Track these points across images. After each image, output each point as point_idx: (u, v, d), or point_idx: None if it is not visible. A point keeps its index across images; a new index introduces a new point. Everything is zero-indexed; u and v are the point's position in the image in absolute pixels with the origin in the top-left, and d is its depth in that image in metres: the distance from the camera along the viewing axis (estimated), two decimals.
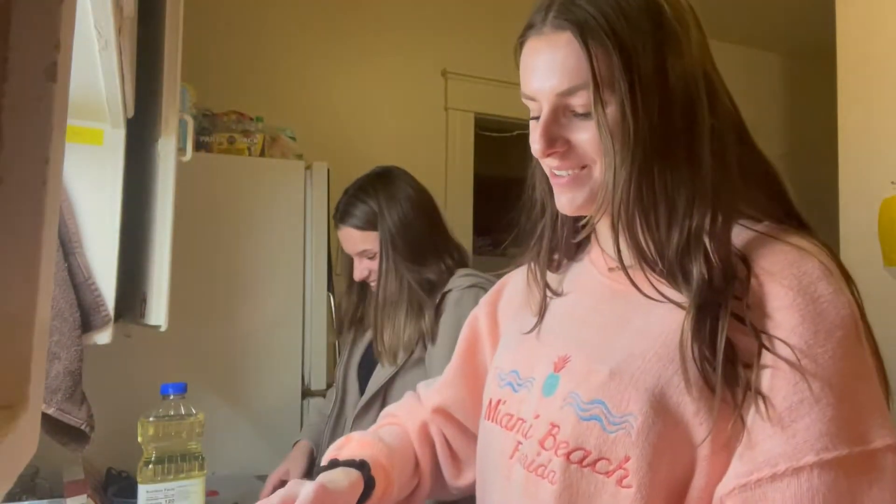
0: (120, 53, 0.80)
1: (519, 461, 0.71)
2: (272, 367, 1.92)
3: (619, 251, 0.68)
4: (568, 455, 0.66)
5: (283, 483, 1.52)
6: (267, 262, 1.93)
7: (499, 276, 0.99)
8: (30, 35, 0.28)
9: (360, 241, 1.44)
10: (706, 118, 0.66)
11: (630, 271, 0.68)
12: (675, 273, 0.65)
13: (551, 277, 0.83)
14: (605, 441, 0.64)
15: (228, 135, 1.96)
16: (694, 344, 0.62)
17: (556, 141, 0.70)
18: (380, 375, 1.45)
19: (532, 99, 0.73)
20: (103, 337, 1.19)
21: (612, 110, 0.66)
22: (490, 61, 2.86)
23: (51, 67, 0.29)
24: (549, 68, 0.69)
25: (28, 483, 1.42)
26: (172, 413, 1.26)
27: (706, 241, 0.64)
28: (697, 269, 0.64)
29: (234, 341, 1.88)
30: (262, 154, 2.00)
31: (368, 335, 1.57)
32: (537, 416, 0.71)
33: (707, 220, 0.65)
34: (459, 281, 1.43)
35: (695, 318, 0.62)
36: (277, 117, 2.30)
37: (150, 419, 1.24)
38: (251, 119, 2.06)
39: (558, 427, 0.68)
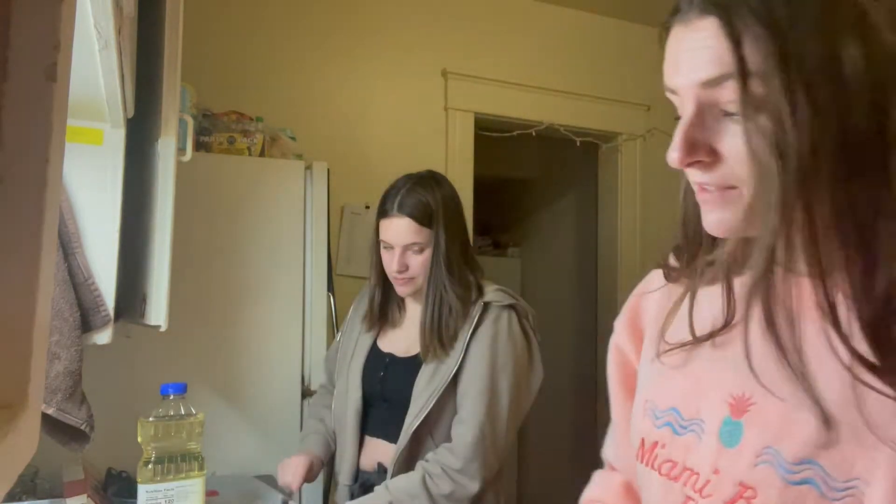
0: (120, 53, 0.80)
1: None
2: (272, 367, 1.92)
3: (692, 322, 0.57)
4: None
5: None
6: (267, 262, 1.93)
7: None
8: (30, 35, 0.28)
9: (413, 234, 1.45)
10: None
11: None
12: (879, 339, 0.50)
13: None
14: None
15: (228, 135, 1.96)
16: None
17: (699, 148, 0.56)
18: (431, 386, 1.43)
19: (675, 93, 0.59)
20: (103, 337, 1.19)
21: (764, 112, 0.52)
22: (490, 61, 2.87)
23: (51, 67, 0.29)
24: (690, 56, 0.57)
25: (28, 483, 1.42)
26: (172, 413, 1.26)
27: None
28: None
29: (234, 341, 1.88)
30: (262, 154, 2.00)
31: (372, 334, 1.57)
32: (717, 472, 0.59)
33: None
34: (498, 296, 1.47)
35: None
36: (277, 117, 2.30)
37: (150, 419, 1.24)
38: (251, 119, 2.06)
39: (754, 490, 0.56)
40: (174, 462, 1.24)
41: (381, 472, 1.45)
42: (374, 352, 1.55)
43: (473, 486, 1.37)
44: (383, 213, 1.49)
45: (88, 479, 1.39)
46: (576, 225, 3.77)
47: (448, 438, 1.42)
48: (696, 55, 0.56)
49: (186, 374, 1.61)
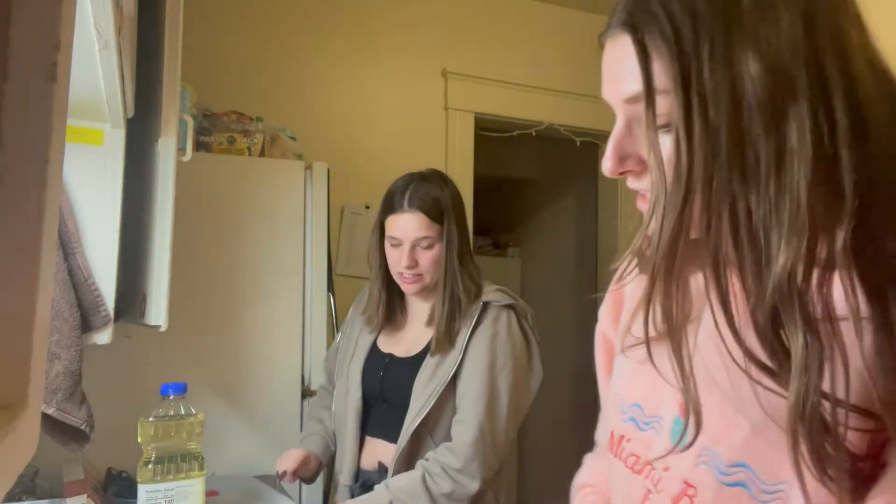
0: (120, 53, 0.80)
1: None
2: (272, 367, 1.92)
3: (647, 320, 0.56)
4: None
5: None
6: (267, 262, 1.93)
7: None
8: (30, 35, 0.28)
9: (424, 228, 1.45)
10: (805, 127, 0.51)
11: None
12: (769, 343, 0.52)
13: None
14: None
15: (228, 135, 1.96)
16: (803, 444, 0.50)
17: (629, 158, 0.60)
18: (430, 386, 1.43)
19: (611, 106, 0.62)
20: (103, 337, 1.20)
21: (666, 128, 0.55)
22: (490, 61, 2.87)
23: (51, 67, 0.29)
24: (612, 71, 0.60)
25: (28, 483, 1.42)
26: (172, 413, 1.26)
27: (808, 297, 0.51)
28: (796, 343, 0.50)
29: (234, 341, 1.88)
30: (262, 154, 2.00)
31: (373, 334, 1.57)
32: (667, 469, 0.63)
33: (800, 271, 0.50)
34: (497, 295, 1.48)
35: (800, 411, 0.50)
36: (277, 117, 2.30)
37: (150, 419, 1.24)
38: (251, 119, 2.06)
39: (695, 489, 0.59)
40: (174, 462, 1.24)
41: (382, 471, 1.45)
42: (374, 352, 1.55)
43: (473, 486, 1.37)
44: (391, 209, 1.48)
45: (88, 479, 1.39)
46: (576, 225, 3.77)
47: (448, 438, 1.42)
48: (618, 71, 0.59)
49: (186, 374, 1.61)
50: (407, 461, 1.42)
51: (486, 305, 1.46)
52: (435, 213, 1.45)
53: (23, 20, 0.28)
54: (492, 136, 2.99)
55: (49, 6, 0.29)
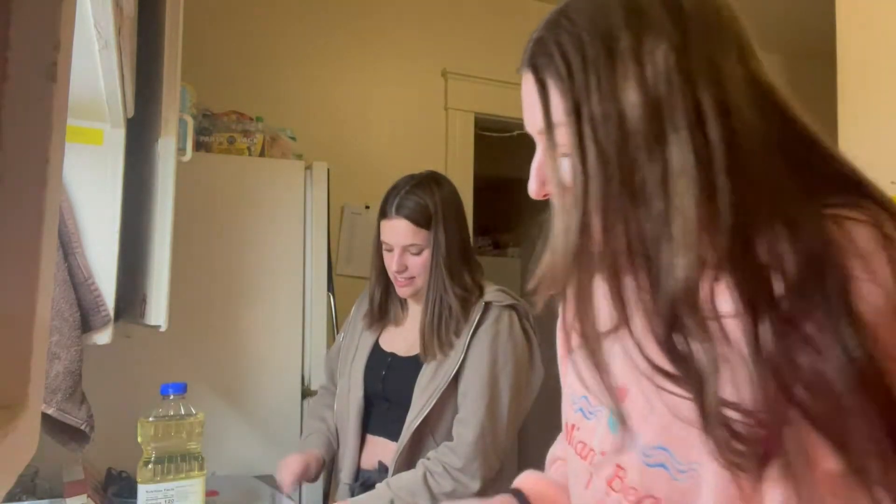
0: (120, 53, 0.80)
1: (592, 495, 0.70)
2: (272, 367, 1.92)
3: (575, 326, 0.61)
4: (638, 502, 0.63)
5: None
6: (267, 262, 1.93)
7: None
8: (30, 35, 0.28)
9: (410, 236, 1.47)
10: (685, 152, 0.55)
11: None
12: (669, 351, 0.57)
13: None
14: (674, 489, 0.60)
15: (228, 135, 1.96)
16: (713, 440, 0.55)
17: (548, 182, 0.65)
18: (432, 385, 1.43)
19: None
20: (103, 337, 1.20)
21: (565, 156, 0.60)
22: (490, 61, 2.87)
23: (51, 67, 0.29)
24: (527, 106, 0.67)
25: (28, 483, 1.42)
26: (172, 413, 1.26)
27: (699, 306, 0.56)
28: (692, 349, 0.56)
29: (234, 341, 1.88)
30: (262, 154, 2.00)
31: (374, 333, 1.58)
32: (603, 454, 0.69)
33: (690, 282, 0.55)
34: (498, 296, 1.48)
35: (703, 411, 0.55)
36: (277, 117, 2.30)
37: (150, 419, 1.24)
38: (251, 119, 2.06)
39: (624, 470, 0.65)
40: (174, 462, 1.24)
41: (382, 470, 1.45)
42: (376, 351, 1.56)
43: (474, 485, 1.37)
44: (383, 214, 1.51)
45: (88, 479, 1.39)
46: None
47: (449, 437, 1.42)
48: (529, 106, 0.65)
49: (186, 374, 1.61)
50: (407, 460, 1.42)
51: (487, 306, 1.46)
52: (422, 220, 1.47)
53: (23, 20, 0.28)
54: (492, 136, 2.99)
55: (49, 6, 0.29)
